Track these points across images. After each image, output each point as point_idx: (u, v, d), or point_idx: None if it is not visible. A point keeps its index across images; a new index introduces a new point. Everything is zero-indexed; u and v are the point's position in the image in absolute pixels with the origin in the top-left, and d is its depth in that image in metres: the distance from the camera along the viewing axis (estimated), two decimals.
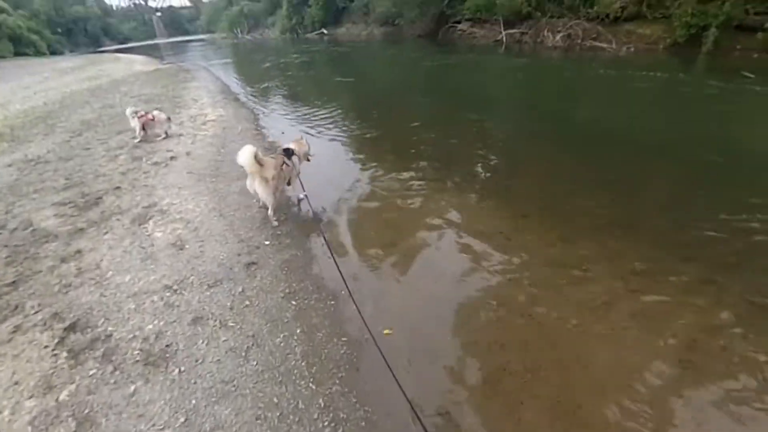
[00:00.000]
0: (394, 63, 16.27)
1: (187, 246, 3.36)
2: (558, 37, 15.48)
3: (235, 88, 12.44)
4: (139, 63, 24.36)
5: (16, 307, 2.73)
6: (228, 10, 59.38)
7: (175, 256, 3.23)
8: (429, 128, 6.56)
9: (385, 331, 2.49)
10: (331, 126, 7.06)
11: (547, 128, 6.33)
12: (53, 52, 57.52)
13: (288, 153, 3.79)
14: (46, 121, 8.36)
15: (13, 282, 2.98)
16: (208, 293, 2.82)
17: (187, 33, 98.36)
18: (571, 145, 5.53)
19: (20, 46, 50.38)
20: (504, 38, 17.91)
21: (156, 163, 5.25)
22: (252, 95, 10.96)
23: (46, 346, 2.42)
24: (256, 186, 3.51)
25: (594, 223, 3.51)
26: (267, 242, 3.43)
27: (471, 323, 2.54)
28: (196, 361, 2.26)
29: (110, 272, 3.06)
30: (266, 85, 12.66)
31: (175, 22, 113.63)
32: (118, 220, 3.80)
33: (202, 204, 4.03)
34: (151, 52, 40.05)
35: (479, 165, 4.86)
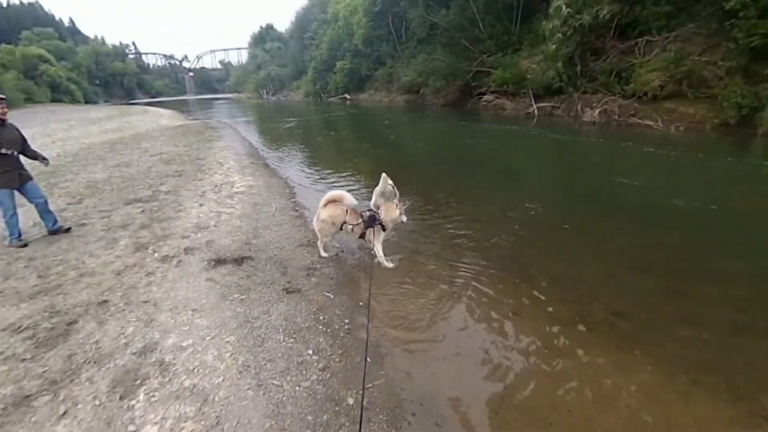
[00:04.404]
0: (422, 132, 15.76)
1: None
2: (596, 112, 15.04)
3: (263, 150, 11.61)
4: (165, 117, 24.60)
5: None
6: (256, 74, 63.56)
7: None
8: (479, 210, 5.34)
9: None
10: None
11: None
12: (88, 101, 61.88)
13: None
14: (49, 179, 7.25)
15: None
16: None
17: (215, 91, 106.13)
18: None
19: (58, 93, 55.24)
20: (535, 111, 17.77)
21: (165, 258, 3.91)
22: (281, 159, 10.03)
23: None
24: None
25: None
26: None
27: None
28: None
29: None
30: (295, 148, 11.91)
31: (204, 81, 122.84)
32: (89, 381, 2.32)
33: (227, 354, 2.53)
34: (180, 106, 41.62)
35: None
